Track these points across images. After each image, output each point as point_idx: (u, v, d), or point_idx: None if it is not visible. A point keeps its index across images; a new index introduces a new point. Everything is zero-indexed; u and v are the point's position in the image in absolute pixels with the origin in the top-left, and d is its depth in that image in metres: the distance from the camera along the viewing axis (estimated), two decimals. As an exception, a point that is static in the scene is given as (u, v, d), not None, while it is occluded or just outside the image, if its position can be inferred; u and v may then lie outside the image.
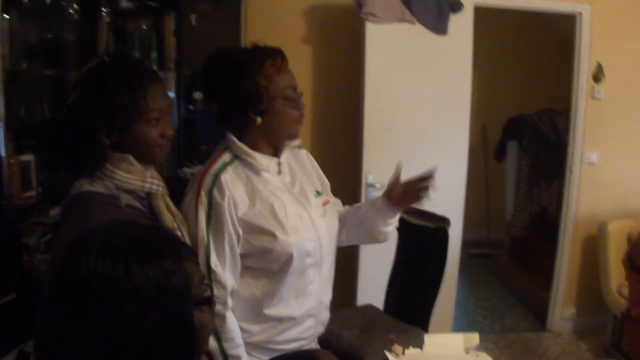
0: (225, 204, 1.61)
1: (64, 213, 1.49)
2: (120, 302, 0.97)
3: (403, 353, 1.88)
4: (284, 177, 1.77)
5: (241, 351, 1.66)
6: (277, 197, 1.70)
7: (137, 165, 1.51)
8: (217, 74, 1.70)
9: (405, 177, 1.91)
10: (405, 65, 3.22)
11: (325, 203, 1.82)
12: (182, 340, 1.03)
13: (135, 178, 1.50)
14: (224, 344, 1.62)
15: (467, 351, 1.92)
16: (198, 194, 1.63)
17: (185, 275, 1.03)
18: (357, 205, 2.01)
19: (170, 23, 3.10)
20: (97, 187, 1.46)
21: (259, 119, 1.66)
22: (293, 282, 1.71)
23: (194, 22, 3.12)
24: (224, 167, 1.67)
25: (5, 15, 2.38)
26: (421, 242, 2.69)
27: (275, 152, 1.76)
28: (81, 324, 0.98)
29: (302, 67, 3.46)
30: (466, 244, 5.69)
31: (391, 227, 1.95)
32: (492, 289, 4.88)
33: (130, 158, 1.49)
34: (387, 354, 1.85)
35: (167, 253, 1.04)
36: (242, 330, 1.67)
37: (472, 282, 5.00)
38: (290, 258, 1.66)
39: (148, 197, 1.55)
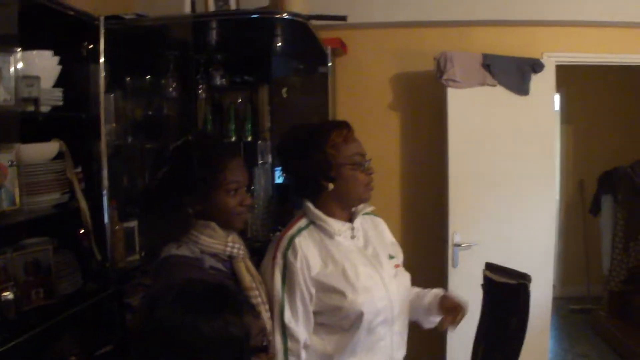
0: (298, 264, 1.75)
1: (154, 274, 1.69)
2: (186, 349, 1.16)
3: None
4: (358, 240, 1.89)
5: None
6: (349, 259, 1.81)
7: (219, 231, 1.69)
8: (290, 147, 1.88)
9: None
10: (488, 125, 3.31)
11: (397, 266, 1.93)
12: None
13: (218, 242, 1.68)
14: None
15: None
16: (275, 256, 1.78)
17: (244, 327, 1.21)
18: (421, 293, 2.07)
19: (263, 96, 3.36)
20: (183, 251, 1.64)
21: (330, 185, 1.81)
22: (364, 338, 1.79)
23: (284, 95, 3.37)
24: (299, 231, 1.81)
25: (111, 94, 2.68)
26: (503, 298, 2.74)
27: (350, 218, 1.89)
28: None
29: (389, 132, 3.64)
30: (567, 299, 5.58)
31: (432, 325, 2.04)
32: (592, 345, 4.71)
33: (213, 225, 1.68)
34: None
35: (229, 308, 1.22)
36: None
37: (572, 337, 4.87)
38: (360, 316, 1.75)
39: (230, 260, 1.72)
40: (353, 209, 1.90)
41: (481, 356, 2.84)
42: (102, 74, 2.49)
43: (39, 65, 2.23)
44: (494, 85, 3.23)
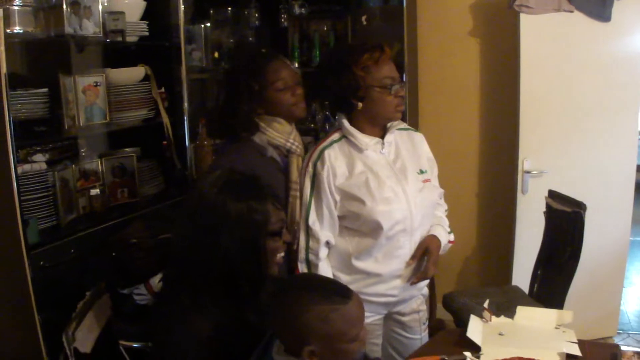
0: (325, 174, 1.97)
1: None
2: (216, 222, 1.50)
3: (490, 319, 2.03)
4: (388, 154, 2.04)
5: None
6: (374, 171, 1.98)
7: (286, 126, 2.04)
8: (326, 66, 2.09)
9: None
10: (564, 53, 3.21)
11: (426, 181, 2.06)
12: (254, 258, 1.53)
13: (280, 136, 2.03)
14: None
15: (557, 327, 1.98)
16: (306, 165, 2.03)
17: (265, 215, 1.54)
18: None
19: (346, 24, 3.57)
20: (255, 138, 2.02)
21: (359, 105, 1.98)
22: (383, 244, 1.98)
23: (364, 22, 3.52)
24: (331, 144, 2.02)
25: (195, 25, 3.07)
26: (560, 226, 2.80)
27: (383, 134, 2.04)
28: (192, 231, 1.53)
29: (467, 60, 3.66)
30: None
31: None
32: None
33: (279, 119, 2.03)
34: (474, 317, 1.98)
35: (255, 197, 1.54)
36: (336, 278, 2.00)
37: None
38: (377, 223, 1.94)
39: (287, 155, 2.06)
40: (388, 125, 2.04)
41: (538, 281, 2.98)
42: (182, 6, 2.86)
43: (124, 2, 2.64)
44: (571, 11, 3.12)
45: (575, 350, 1.76)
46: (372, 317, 2.05)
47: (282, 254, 1.65)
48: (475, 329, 1.89)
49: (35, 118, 2.30)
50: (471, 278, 3.83)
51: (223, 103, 2.11)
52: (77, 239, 2.30)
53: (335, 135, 2.04)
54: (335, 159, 1.99)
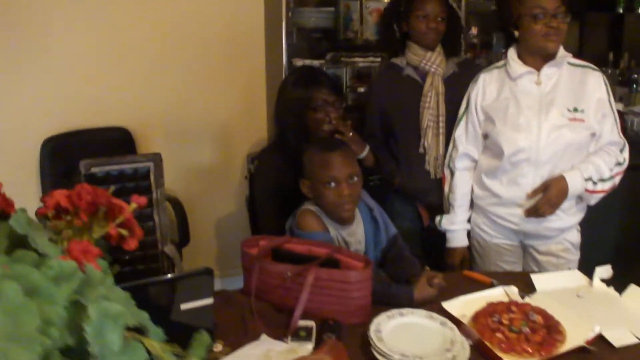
0: (474, 94, 2.17)
1: None
2: (281, 91, 2.23)
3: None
4: (543, 86, 2.06)
5: (457, 203, 2.23)
6: (519, 99, 2.06)
7: (419, 50, 2.33)
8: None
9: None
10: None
11: (575, 120, 2.02)
12: (301, 122, 2.12)
13: (416, 58, 2.34)
14: (450, 195, 2.25)
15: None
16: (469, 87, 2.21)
17: (310, 99, 2.10)
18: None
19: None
20: (396, 59, 2.40)
21: (516, 32, 2.07)
22: (507, 169, 2.08)
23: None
24: (491, 69, 2.18)
25: None
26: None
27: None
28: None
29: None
30: None
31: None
32: None
33: (414, 44, 2.34)
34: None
35: (304, 82, 2.16)
36: (473, 190, 2.23)
37: None
38: (501, 146, 2.05)
39: (425, 74, 2.34)
40: (558, 57, 2.04)
41: None
42: None
43: None
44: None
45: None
46: (499, 239, 2.21)
47: (330, 127, 2.12)
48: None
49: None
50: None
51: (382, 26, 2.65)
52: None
53: (500, 62, 2.17)
54: (488, 83, 2.14)
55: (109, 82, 2.99)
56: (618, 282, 1.78)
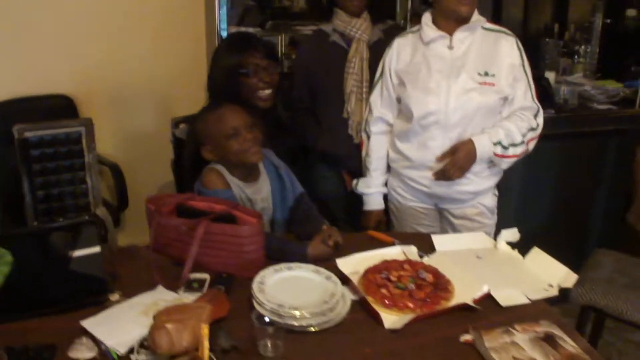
0: (388, 58, 2.20)
1: None
2: (214, 58, 2.19)
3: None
4: (455, 51, 2.08)
5: (373, 166, 2.27)
6: (430, 63, 2.08)
7: (344, 16, 2.36)
8: None
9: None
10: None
11: (485, 83, 2.05)
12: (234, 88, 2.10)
13: (342, 24, 2.37)
14: (366, 158, 2.28)
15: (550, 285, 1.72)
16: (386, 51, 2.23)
17: (243, 64, 2.09)
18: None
19: None
20: (324, 25, 2.45)
21: None
22: (418, 131, 2.11)
23: None
24: (406, 34, 2.21)
25: None
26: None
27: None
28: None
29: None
30: None
31: None
32: None
33: (340, 10, 2.38)
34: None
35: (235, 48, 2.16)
36: (389, 153, 2.27)
37: None
38: (411, 109, 2.08)
39: (351, 39, 2.36)
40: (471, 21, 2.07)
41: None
42: None
43: None
44: None
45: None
46: (413, 202, 2.26)
47: (267, 91, 2.13)
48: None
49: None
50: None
51: None
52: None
53: (415, 27, 2.19)
54: (403, 47, 2.17)
55: (49, 49, 2.98)
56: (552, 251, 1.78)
